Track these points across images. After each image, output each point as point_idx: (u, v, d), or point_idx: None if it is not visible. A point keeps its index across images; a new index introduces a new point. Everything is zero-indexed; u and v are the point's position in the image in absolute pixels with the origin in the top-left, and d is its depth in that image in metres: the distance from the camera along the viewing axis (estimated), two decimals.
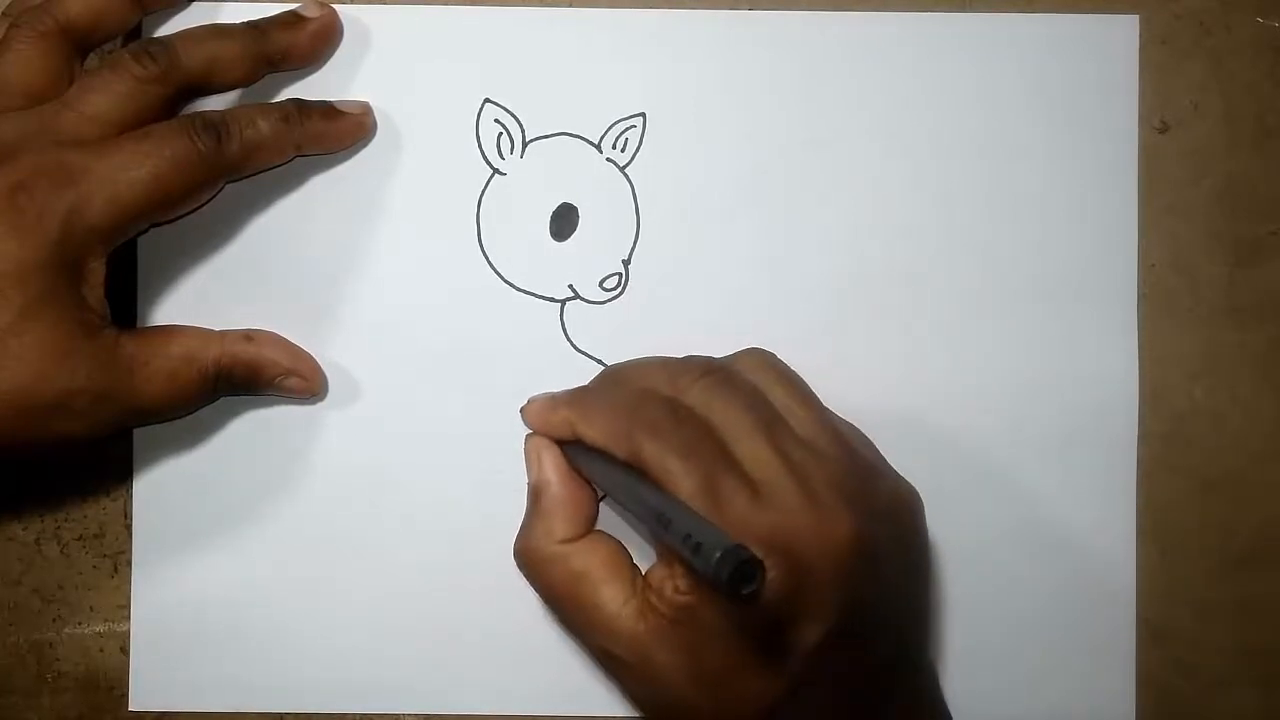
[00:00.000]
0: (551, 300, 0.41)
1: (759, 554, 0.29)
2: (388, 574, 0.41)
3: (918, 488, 0.38)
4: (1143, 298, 0.42)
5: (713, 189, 0.41)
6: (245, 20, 0.39)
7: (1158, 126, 0.42)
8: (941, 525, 0.40)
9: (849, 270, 0.41)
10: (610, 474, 0.36)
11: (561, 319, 0.42)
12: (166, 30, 0.40)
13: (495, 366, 0.41)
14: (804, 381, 0.38)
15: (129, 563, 0.41)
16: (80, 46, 0.38)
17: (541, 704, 0.41)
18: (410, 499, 0.41)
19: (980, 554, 0.41)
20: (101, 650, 0.42)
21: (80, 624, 0.42)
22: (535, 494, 0.38)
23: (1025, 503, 0.41)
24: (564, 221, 0.42)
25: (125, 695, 0.41)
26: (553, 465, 0.38)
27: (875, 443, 0.38)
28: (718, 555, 0.29)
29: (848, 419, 0.38)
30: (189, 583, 0.41)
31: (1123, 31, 0.42)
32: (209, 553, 0.41)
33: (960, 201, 0.42)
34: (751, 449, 0.34)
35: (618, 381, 0.38)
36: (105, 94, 0.36)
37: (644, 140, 0.41)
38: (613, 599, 0.35)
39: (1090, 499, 0.41)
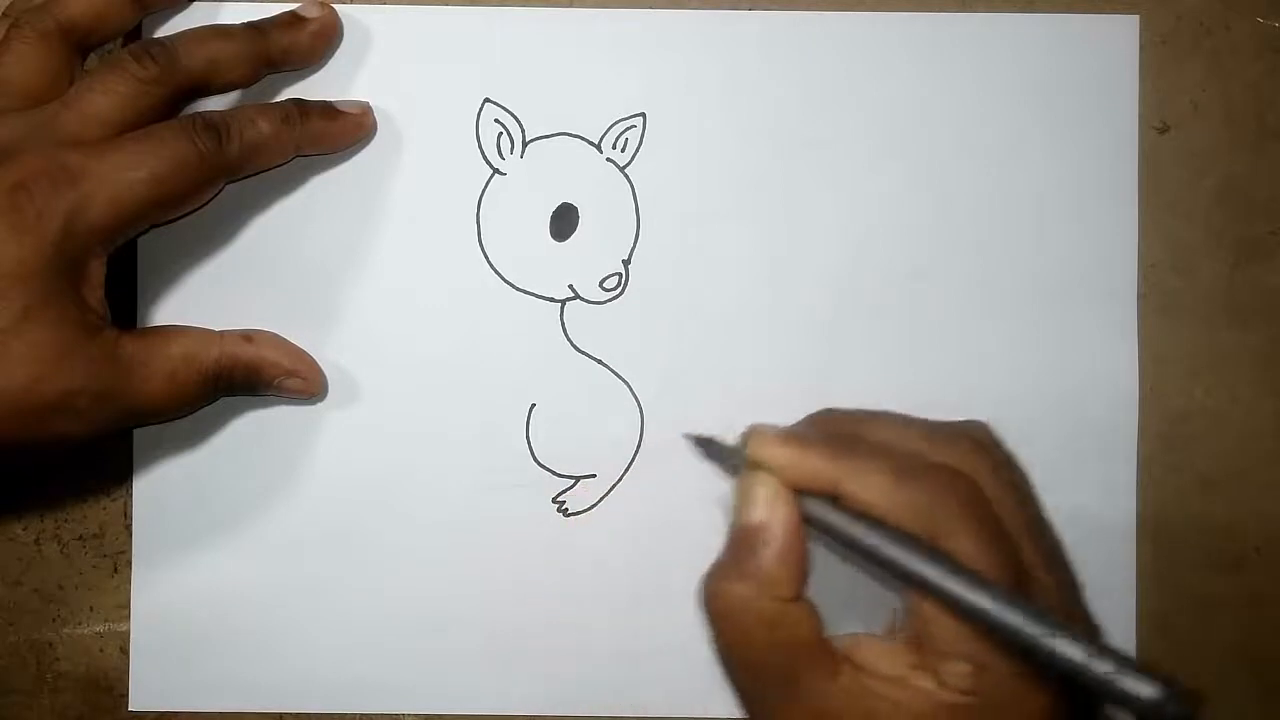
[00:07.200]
0: (551, 300, 0.41)
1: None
2: (387, 574, 0.41)
3: None
4: (1143, 298, 0.42)
5: (713, 189, 0.41)
6: (245, 20, 0.39)
7: (1158, 126, 0.42)
8: None
9: (849, 270, 0.41)
10: (879, 541, 0.31)
11: (561, 319, 0.41)
12: (166, 30, 0.40)
13: (495, 366, 0.41)
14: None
15: (129, 563, 0.41)
16: (80, 46, 0.38)
17: (541, 704, 0.41)
18: (410, 499, 0.41)
19: None
20: (101, 650, 0.42)
21: (80, 624, 0.42)
22: (752, 542, 0.33)
23: None
24: (564, 221, 0.42)
25: (125, 695, 0.41)
26: (787, 519, 0.32)
27: None
28: (1161, 693, 0.26)
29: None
30: (189, 583, 0.41)
31: (1123, 31, 0.42)
32: (209, 553, 0.41)
33: (960, 201, 0.41)
34: (1030, 553, 0.32)
35: (858, 436, 0.34)
36: (105, 94, 0.36)
37: (644, 140, 0.41)
38: (824, 675, 0.32)
39: (1090, 499, 0.41)
